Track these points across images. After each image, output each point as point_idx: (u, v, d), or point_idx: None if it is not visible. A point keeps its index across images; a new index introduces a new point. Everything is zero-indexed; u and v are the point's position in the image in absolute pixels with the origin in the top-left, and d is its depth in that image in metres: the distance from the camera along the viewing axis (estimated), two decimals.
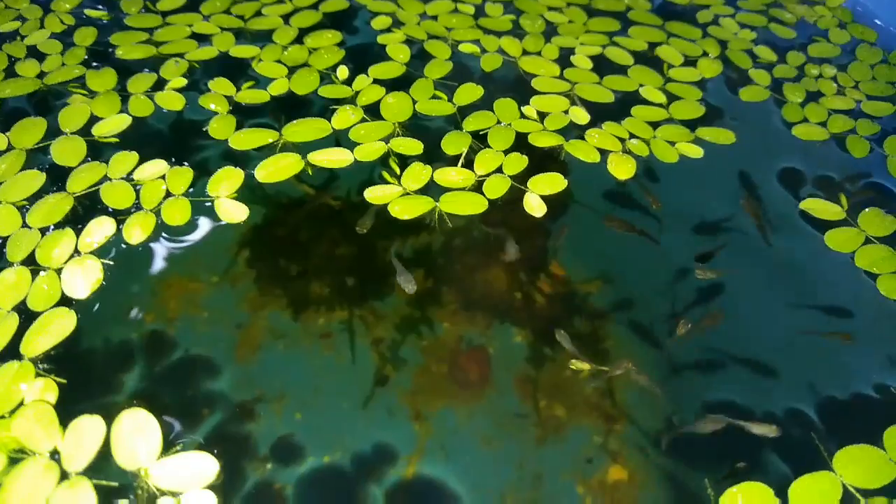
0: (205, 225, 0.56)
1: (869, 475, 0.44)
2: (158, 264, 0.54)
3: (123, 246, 0.53)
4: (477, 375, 0.51)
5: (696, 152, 0.63)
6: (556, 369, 0.51)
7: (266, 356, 0.51)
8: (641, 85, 0.70)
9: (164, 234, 0.55)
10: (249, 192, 0.58)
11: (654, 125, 0.66)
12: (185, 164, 0.58)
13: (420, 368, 0.51)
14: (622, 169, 0.61)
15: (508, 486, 0.46)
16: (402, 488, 0.45)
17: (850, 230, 0.59)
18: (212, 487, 0.41)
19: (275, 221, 0.58)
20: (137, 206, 0.55)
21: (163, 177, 0.57)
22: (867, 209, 0.60)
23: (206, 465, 0.41)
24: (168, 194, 0.56)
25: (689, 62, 0.74)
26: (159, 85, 0.66)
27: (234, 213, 0.55)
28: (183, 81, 0.66)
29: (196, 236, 0.56)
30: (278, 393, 0.49)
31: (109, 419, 0.43)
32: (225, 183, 0.57)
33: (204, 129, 0.62)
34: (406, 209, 0.56)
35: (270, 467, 0.45)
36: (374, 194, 0.57)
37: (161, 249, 0.54)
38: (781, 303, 0.55)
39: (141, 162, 0.58)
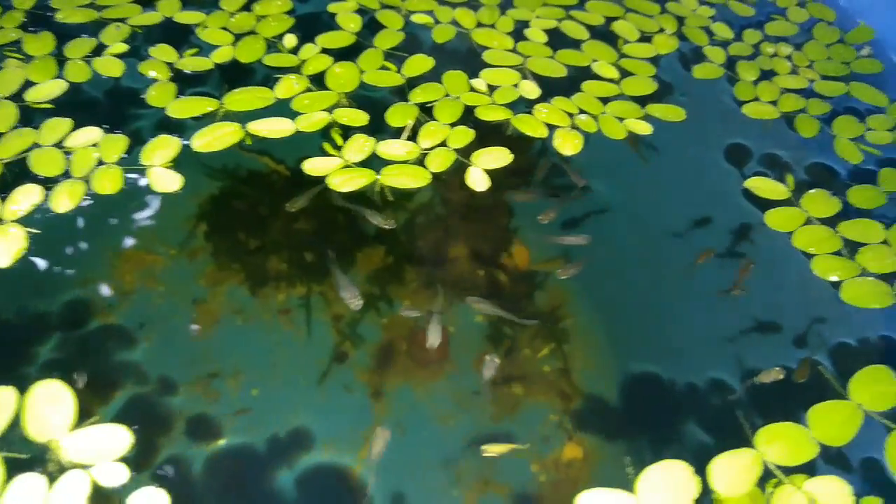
0: (145, 195, 0.55)
1: (790, 453, 0.44)
2: (98, 234, 0.53)
3: (51, 214, 0.52)
4: (436, 353, 0.51)
5: (645, 129, 0.63)
6: (515, 348, 0.51)
7: (223, 331, 0.50)
8: (595, 60, 0.69)
9: (102, 204, 0.54)
10: (197, 164, 0.57)
11: (605, 101, 0.65)
12: (120, 131, 0.57)
13: (379, 346, 0.51)
14: (569, 144, 0.61)
15: (464, 463, 0.46)
16: (358, 464, 0.45)
17: (791, 209, 0.58)
18: (125, 459, 0.41)
19: (233, 194, 0.57)
20: (67, 174, 0.54)
21: (95, 144, 0.56)
22: (812, 190, 0.60)
23: (119, 437, 0.41)
24: (100, 162, 0.55)
25: (645, 38, 0.73)
26: (99, 50, 0.64)
27: (168, 182, 0.54)
28: (123, 47, 0.64)
29: (143, 208, 0.55)
30: (234, 368, 0.49)
31: (24, 391, 0.42)
32: (159, 151, 0.56)
33: (142, 97, 0.60)
34: (346, 181, 0.55)
35: (224, 443, 0.45)
36: (313, 166, 0.56)
37: (101, 219, 0.54)
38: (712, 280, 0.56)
39: (74, 129, 0.56)
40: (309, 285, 0.53)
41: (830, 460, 0.46)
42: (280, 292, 0.53)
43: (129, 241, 0.54)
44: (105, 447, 0.40)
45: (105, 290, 0.51)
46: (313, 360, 0.49)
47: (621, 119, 0.63)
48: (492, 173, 0.58)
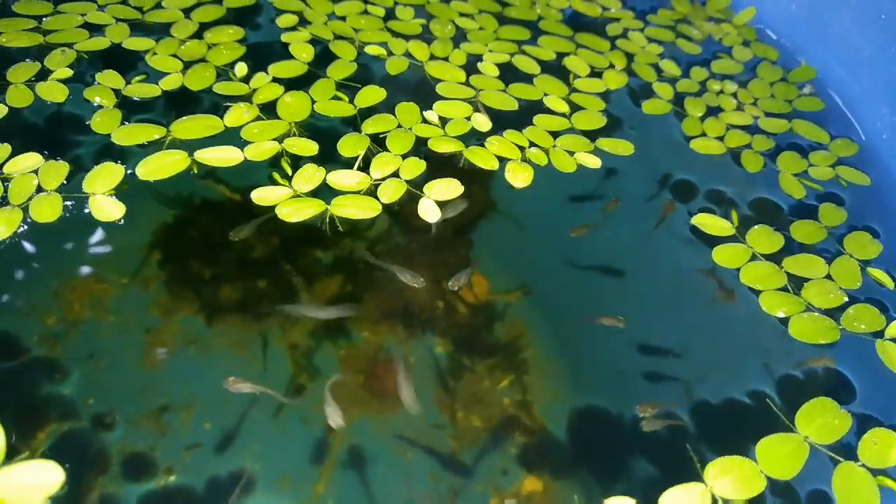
0: (83, 226, 0.53)
1: (739, 486, 0.44)
2: (28, 265, 0.51)
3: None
4: (394, 385, 0.50)
5: (594, 162, 0.64)
6: (474, 380, 0.51)
7: (176, 362, 0.49)
8: (546, 94, 0.70)
9: (39, 233, 0.52)
10: (146, 191, 0.56)
11: (555, 134, 0.66)
12: (61, 158, 0.55)
13: (337, 379, 0.50)
14: (519, 177, 0.61)
15: (422, 497, 0.45)
16: (313, 499, 0.44)
17: (737, 246, 0.59)
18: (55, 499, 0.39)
19: (188, 222, 0.57)
20: (4, 201, 0.52)
21: (35, 171, 0.54)
22: (756, 226, 0.61)
23: (48, 474, 0.39)
24: (39, 189, 0.53)
25: (596, 73, 0.75)
26: (43, 75, 0.63)
27: (110, 210, 0.53)
28: (68, 72, 0.63)
29: (93, 237, 0.54)
30: (187, 401, 0.47)
31: None
32: (102, 179, 0.54)
33: (87, 123, 0.59)
34: (294, 212, 0.55)
35: (173, 479, 0.43)
36: (261, 195, 0.55)
37: (46, 247, 0.52)
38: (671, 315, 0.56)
39: (13, 155, 0.55)
40: (264, 315, 0.52)
41: (778, 493, 0.46)
42: (235, 322, 0.52)
43: (77, 270, 0.52)
44: (35, 484, 0.38)
45: (50, 319, 0.49)
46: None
47: (571, 152, 0.64)
48: (442, 204, 0.58)
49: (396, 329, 0.53)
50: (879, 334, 0.54)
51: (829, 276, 0.58)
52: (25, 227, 0.51)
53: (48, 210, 0.52)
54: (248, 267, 0.55)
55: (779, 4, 0.85)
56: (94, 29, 0.68)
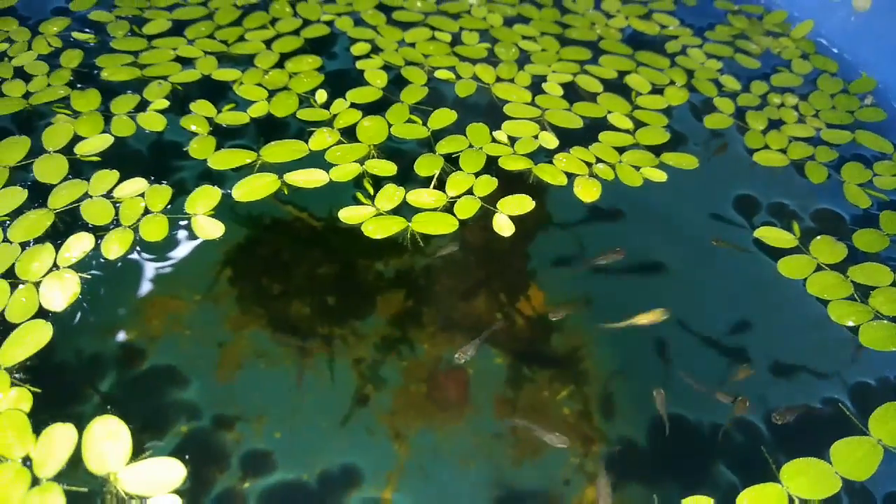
0: (184, 242, 0.58)
1: (814, 487, 0.46)
2: (139, 280, 0.55)
3: (102, 261, 0.55)
4: (456, 396, 0.52)
5: (660, 176, 0.66)
6: (534, 390, 0.53)
7: (247, 375, 0.52)
8: (610, 112, 0.72)
9: (145, 253, 0.56)
10: (230, 212, 0.59)
11: (621, 150, 0.68)
12: (164, 182, 0.60)
13: (400, 388, 0.52)
14: (588, 192, 0.64)
15: None
16: None
17: (802, 257, 0.60)
18: (178, 492, 0.43)
19: (257, 241, 0.60)
20: (116, 223, 0.57)
21: (142, 195, 0.59)
22: (819, 237, 0.62)
23: (173, 471, 0.43)
24: (147, 211, 0.58)
25: (657, 90, 0.77)
26: (142, 106, 0.68)
27: (210, 230, 0.57)
28: (165, 103, 0.68)
29: (177, 254, 0.57)
30: (258, 411, 0.50)
31: (82, 427, 0.44)
32: (202, 201, 0.59)
33: (184, 150, 0.64)
34: (379, 229, 0.58)
35: (248, 486, 0.46)
36: (348, 214, 0.59)
37: (142, 266, 0.56)
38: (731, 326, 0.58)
39: (121, 180, 0.60)
40: (331, 329, 0.55)
41: (853, 494, 0.47)
42: (302, 336, 0.54)
43: (172, 291, 0.56)
44: (160, 479, 0.43)
45: (150, 339, 0.53)
46: (335, 403, 0.51)
47: (637, 167, 0.66)
48: (515, 220, 0.61)
49: (456, 340, 0.55)
50: None
51: (894, 284, 0.58)
52: (138, 246, 0.56)
53: (156, 230, 0.56)
54: (315, 283, 0.58)
55: (836, 17, 0.86)
56: (186, 62, 0.74)
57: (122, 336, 0.52)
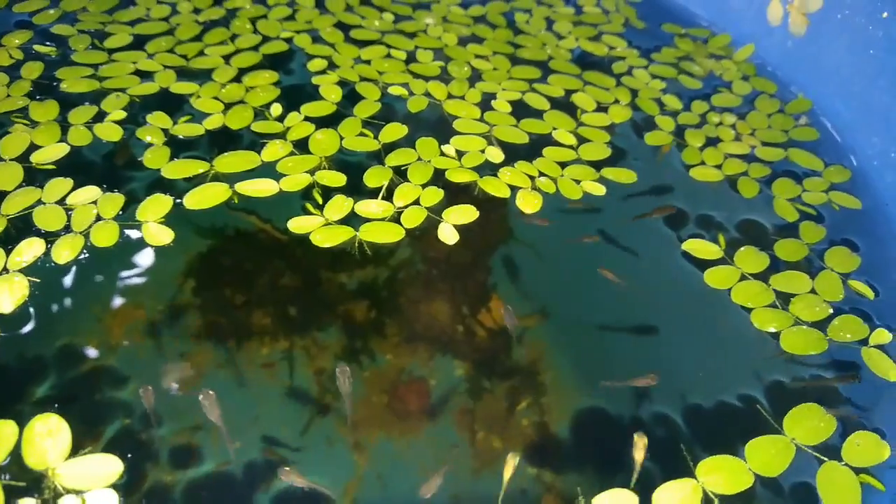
0: (136, 249, 0.59)
1: (729, 482, 0.49)
2: (91, 287, 0.57)
3: (52, 265, 0.56)
4: (417, 406, 0.53)
5: (599, 190, 0.69)
6: (493, 401, 0.54)
7: (208, 384, 0.52)
8: (555, 128, 0.75)
9: (99, 261, 0.58)
10: (185, 222, 0.61)
11: (563, 165, 0.71)
12: (118, 191, 0.62)
13: (361, 399, 0.53)
14: (529, 203, 0.66)
15: None
16: None
17: (727, 268, 0.63)
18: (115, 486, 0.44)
19: (219, 251, 0.61)
20: (67, 229, 0.58)
21: (95, 202, 0.60)
22: (743, 248, 0.65)
23: (109, 466, 0.44)
24: (98, 218, 0.59)
25: (601, 108, 0.80)
26: (100, 117, 0.69)
27: (161, 237, 0.59)
28: (122, 114, 0.70)
29: (136, 263, 0.59)
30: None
31: (23, 425, 0.45)
32: (153, 209, 0.61)
33: (139, 160, 0.65)
34: (326, 238, 0.60)
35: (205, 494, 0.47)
36: (297, 224, 0.61)
37: (96, 273, 0.58)
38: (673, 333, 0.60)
39: (75, 188, 0.61)
40: (292, 339, 0.56)
41: (766, 488, 0.50)
42: (264, 346, 0.56)
43: (119, 296, 0.57)
44: (97, 474, 0.44)
45: (93, 342, 0.54)
46: (295, 413, 0.52)
47: (578, 181, 0.69)
48: (459, 228, 0.63)
49: (418, 352, 0.57)
50: (864, 342, 0.58)
51: (813, 291, 0.62)
52: (86, 252, 0.58)
53: (106, 236, 0.58)
54: (278, 293, 0.59)
55: (776, 41, 0.90)
56: (145, 75, 0.75)
57: (70, 340, 0.53)
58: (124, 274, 0.59)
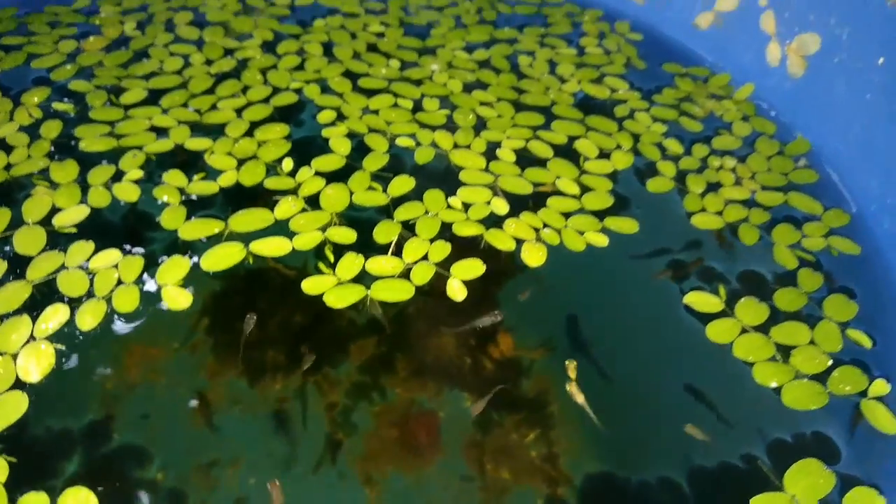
0: (155, 306, 0.61)
1: None
2: (113, 346, 0.59)
3: (77, 331, 0.58)
4: (426, 440, 0.55)
5: (602, 241, 0.70)
6: (503, 434, 0.56)
7: (223, 421, 0.55)
8: (558, 177, 0.77)
9: (119, 318, 0.60)
10: (200, 277, 0.63)
11: (567, 215, 0.73)
12: (137, 253, 0.64)
13: (371, 433, 0.55)
14: (534, 257, 0.68)
15: None
16: None
17: (728, 321, 0.64)
18: None
19: (233, 291, 0.63)
20: (90, 294, 0.61)
21: (115, 265, 0.63)
22: (743, 299, 0.65)
23: None
24: (119, 282, 0.62)
25: (604, 154, 0.81)
26: (117, 176, 0.72)
27: (180, 300, 0.61)
28: (139, 173, 0.72)
29: (152, 312, 0.61)
30: (234, 457, 0.53)
31: (55, 498, 0.48)
32: (172, 272, 0.63)
33: (157, 220, 0.68)
34: (339, 299, 0.62)
35: None
36: (311, 285, 0.63)
37: (117, 332, 0.60)
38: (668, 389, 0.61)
39: (96, 251, 0.64)
40: (304, 375, 0.58)
41: None
42: (277, 383, 0.58)
43: (140, 336, 0.60)
44: None
45: (119, 411, 0.56)
46: (308, 448, 0.54)
47: (581, 232, 0.71)
48: (467, 283, 0.65)
49: (427, 385, 0.58)
50: (863, 394, 0.59)
51: (813, 342, 0.63)
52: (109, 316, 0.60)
53: (128, 301, 0.60)
54: (289, 331, 0.61)
55: (775, 81, 0.92)
56: (160, 131, 0.78)
57: (97, 411, 0.55)
58: (154, 319, 0.61)
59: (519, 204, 0.73)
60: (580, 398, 0.58)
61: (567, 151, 0.81)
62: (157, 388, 0.57)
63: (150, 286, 0.62)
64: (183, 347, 0.59)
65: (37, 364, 0.55)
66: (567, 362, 0.60)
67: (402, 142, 0.80)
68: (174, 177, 0.72)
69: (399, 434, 0.55)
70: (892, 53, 0.77)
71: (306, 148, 0.78)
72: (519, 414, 0.57)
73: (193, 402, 0.56)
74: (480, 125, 0.84)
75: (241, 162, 0.75)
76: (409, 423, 0.56)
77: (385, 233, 0.69)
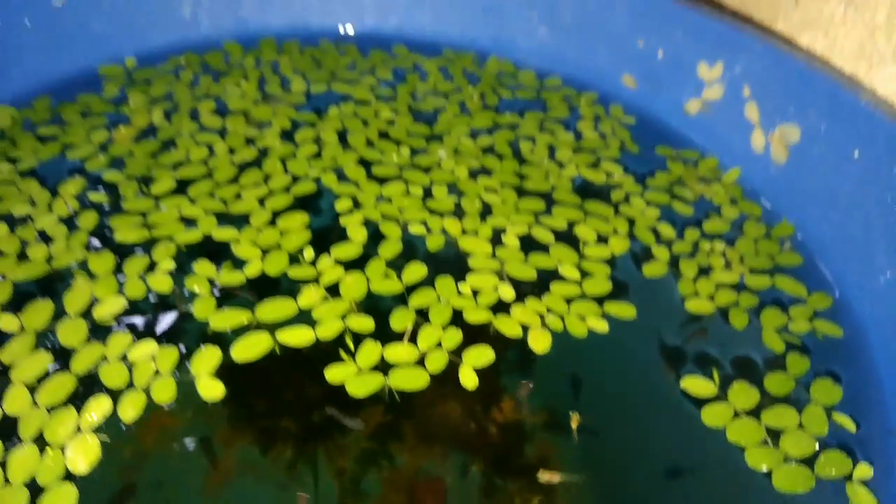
0: (187, 394, 0.66)
1: None
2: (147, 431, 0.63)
3: (118, 422, 0.63)
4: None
5: (603, 327, 0.75)
6: (507, 497, 0.59)
7: (236, 488, 0.58)
8: (560, 262, 0.83)
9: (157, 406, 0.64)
10: (230, 367, 0.68)
11: (569, 301, 0.77)
12: (171, 344, 0.69)
13: (380, 499, 0.58)
14: (540, 343, 0.73)
15: None
16: None
17: (721, 405, 0.68)
18: None
19: (247, 365, 0.68)
20: (130, 385, 0.65)
21: (153, 357, 0.67)
22: (735, 383, 0.69)
23: None
24: (157, 373, 0.66)
25: (602, 239, 0.86)
26: (151, 267, 0.77)
27: (213, 391, 0.65)
28: (172, 264, 0.77)
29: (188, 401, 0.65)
30: None
31: None
32: (205, 362, 0.67)
33: (188, 311, 0.73)
34: (360, 388, 0.66)
35: None
36: (333, 374, 0.67)
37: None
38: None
39: (134, 342, 0.68)
40: (315, 443, 0.62)
41: None
42: (288, 450, 0.61)
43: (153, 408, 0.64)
44: None
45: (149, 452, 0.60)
46: None
47: (583, 318, 0.76)
48: (478, 370, 0.69)
49: (434, 451, 0.62)
50: (848, 478, 0.63)
51: (801, 425, 0.66)
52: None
53: (165, 392, 0.65)
54: (301, 401, 0.65)
55: (760, 166, 0.98)
56: (189, 221, 0.83)
57: (127, 469, 0.59)
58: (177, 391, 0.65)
59: (525, 289, 0.78)
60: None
61: (567, 237, 0.86)
62: (170, 456, 0.61)
63: (185, 376, 0.67)
64: (196, 414, 0.64)
65: (84, 456, 0.59)
66: (571, 413, 0.64)
67: (415, 229, 0.85)
68: (203, 267, 0.77)
69: (406, 500, 0.59)
70: (866, 147, 0.83)
71: (325, 236, 0.83)
72: (522, 479, 0.61)
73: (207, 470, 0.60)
74: (486, 211, 0.89)
75: (264, 252, 0.79)
76: (417, 489, 0.59)
77: (400, 320, 0.73)
